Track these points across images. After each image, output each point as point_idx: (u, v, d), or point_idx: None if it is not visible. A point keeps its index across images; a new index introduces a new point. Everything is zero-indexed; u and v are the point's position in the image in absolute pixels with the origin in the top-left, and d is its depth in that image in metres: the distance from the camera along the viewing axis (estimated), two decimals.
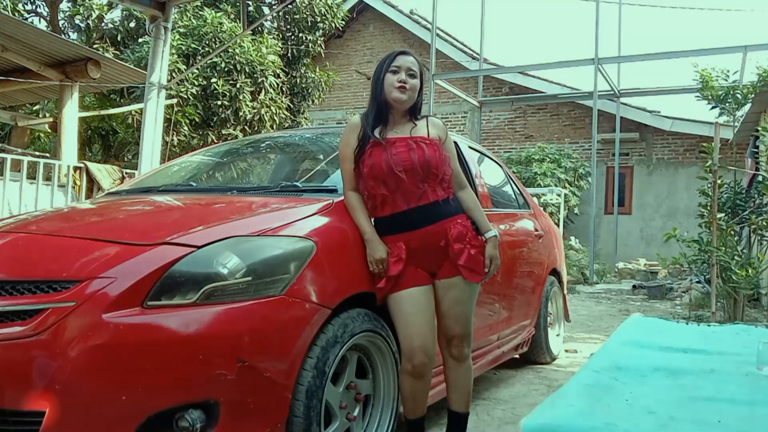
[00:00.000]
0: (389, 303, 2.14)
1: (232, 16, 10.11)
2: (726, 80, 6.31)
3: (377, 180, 2.10)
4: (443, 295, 2.16)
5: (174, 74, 7.87)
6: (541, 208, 4.90)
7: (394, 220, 2.13)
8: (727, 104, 6.18)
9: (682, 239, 5.16)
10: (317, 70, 11.18)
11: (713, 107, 6.31)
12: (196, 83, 8.71)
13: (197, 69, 8.53)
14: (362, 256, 2.13)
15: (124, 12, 10.91)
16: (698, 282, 7.23)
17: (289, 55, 10.63)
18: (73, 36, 11.68)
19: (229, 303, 1.72)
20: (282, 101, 9.79)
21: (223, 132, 9.00)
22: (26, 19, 11.30)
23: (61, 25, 11.81)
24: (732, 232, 5.40)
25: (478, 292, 2.28)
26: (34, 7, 12.13)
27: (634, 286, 9.43)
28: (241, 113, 8.94)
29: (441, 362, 2.43)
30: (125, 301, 1.65)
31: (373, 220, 2.19)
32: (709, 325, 2.95)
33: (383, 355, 2.21)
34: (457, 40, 14.24)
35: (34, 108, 10.84)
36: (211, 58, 8.39)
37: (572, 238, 11.70)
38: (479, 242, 2.18)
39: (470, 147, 3.51)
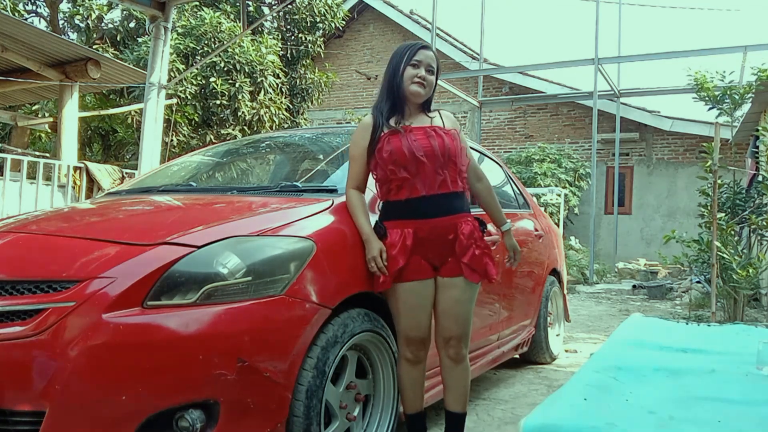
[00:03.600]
0: (390, 291, 2.14)
1: (231, 16, 10.10)
2: (722, 81, 6.30)
3: (398, 165, 2.09)
4: (444, 294, 2.15)
5: (172, 74, 7.86)
6: (541, 208, 4.90)
7: (409, 205, 2.10)
8: (724, 105, 6.17)
9: (681, 240, 5.16)
10: (317, 70, 11.18)
11: (710, 108, 6.31)
12: (194, 83, 8.70)
13: (197, 69, 8.53)
14: (362, 256, 2.12)
15: (124, 12, 10.91)
16: (698, 282, 7.23)
17: (288, 55, 10.63)
18: (73, 36, 11.68)
19: (229, 303, 1.72)
20: (281, 101, 9.79)
21: (222, 132, 8.99)
22: (26, 19, 11.30)
23: (61, 25, 11.80)
24: (732, 232, 5.40)
25: (478, 292, 2.26)
26: (34, 7, 12.13)
27: (634, 286, 9.43)
28: (240, 113, 8.93)
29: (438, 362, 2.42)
30: (125, 301, 1.65)
31: (383, 204, 2.18)
32: (709, 325, 2.95)
33: (383, 354, 2.21)
34: (457, 40, 14.24)
35: (33, 108, 10.84)
36: (211, 58, 8.38)
37: (572, 238, 11.71)
38: (485, 244, 2.17)
39: (470, 147, 3.50)
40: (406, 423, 2.27)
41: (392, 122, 2.16)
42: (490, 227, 3.15)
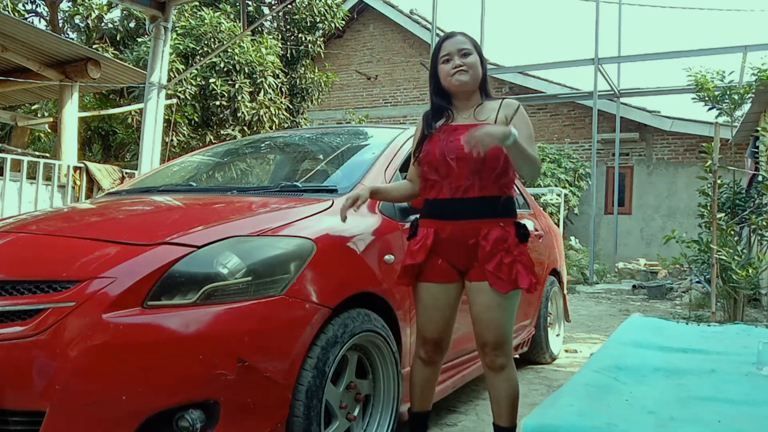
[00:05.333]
0: (413, 289, 2.16)
1: (231, 16, 10.09)
2: (722, 81, 6.30)
3: (430, 166, 2.07)
4: (473, 299, 2.07)
5: (172, 74, 7.85)
6: (541, 208, 4.90)
7: (435, 205, 2.09)
8: (723, 105, 6.17)
9: (681, 240, 5.16)
10: (316, 70, 11.17)
11: (710, 108, 6.31)
12: (194, 83, 8.70)
13: (196, 70, 8.52)
14: (363, 255, 2.13)
15: (124, 12, 10.91)
16: (698, 282, 7.23)
17: (288, 55, 10.62)
18: (73, 36, 11.67)
19: (229, 303, 1.72)
20: (281, 102, 9.78)
21: (222, 132, 8.99)
22: (26, 19, 11.29)
23: (60, 25, 11.80)
24: (732, 232, 5.40)
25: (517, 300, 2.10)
26: (34, 6, 12.12)
27: (634, 286, 9.44)
28: (239, 114, 8.93)
29: (448, 359, 2.42)
30: (125, 301, 1.64)
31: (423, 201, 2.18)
32: (709, 325, 2.95)
33: (383, 355, 2.21)
34: None
35: (33, 107, 10.83)
36: (211, 59, 8.37)
37: (572, 238, 11.71)
38: (520, 251, 2.04)
39: None
40: (408, 420, 2.26)
41: (440, 123, 2.12)
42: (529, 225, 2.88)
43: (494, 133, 1.82)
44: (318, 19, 10.72)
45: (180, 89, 8.53)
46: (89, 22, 11.23)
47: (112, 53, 9.49)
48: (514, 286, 2.00)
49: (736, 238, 5.61)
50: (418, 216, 2.19)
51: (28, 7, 12.07)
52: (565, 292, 4.58)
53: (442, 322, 2.11)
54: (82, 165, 6.60)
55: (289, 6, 10.44)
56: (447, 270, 2.07)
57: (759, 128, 5.85)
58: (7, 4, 10.62)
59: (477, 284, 2.04)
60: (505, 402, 2.13)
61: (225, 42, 8.74)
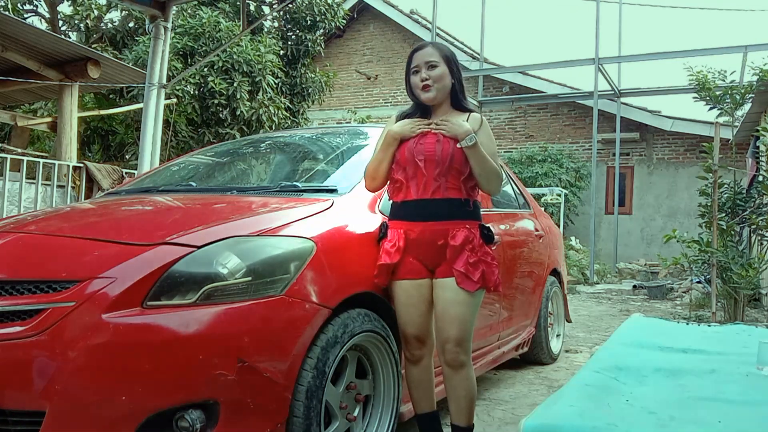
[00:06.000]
0: (389, 289, 2.19)
1: (230, 15, 10.07)
2: (723, 80, 6.30)
3: (399, 165, 2.15)
4: (438, 295, 2.13)
5: (170, 73, 7.83)
6: (542, 208, 4.90)
7: (403, 207, 2.15)
8: (725, 104, 6.16)
9: (682, 240, 5.15)
10: (317, 69, 11.16)
11: (711, 108, 6.31)
12: (192, 81, 8.68)
13: (195, 69, 8.50)
14: (363, 255, 2.13)
15: (123, 12, 10.90)
16: (699, 282, 7.24)
17: (289, 54, 10.61)
18: (73, 36, 11.65)
19: (229, 303, 1.72)
20: (281, 101, 9.77)
21: (221, 132, 8.97)
22: (26, 19, 11.29)
23: (60, 25, 11.79)
24: (732, 232, 5.40)
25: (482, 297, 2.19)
26: (34, 7, 12.11)
27: (634, 286, 9.44)
28: (238, 113, 8.92)
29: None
30: (125, 301, 1.64)
31: (391, 202, 2.22)
32: (709, 326, 2.95)
33: (383, 355, 2.21)
34: (457, 40, 14.25)
35: (33, 107, 10.82)
36: (210, 58, 8.36)
37: (572, 238, 11.71)
38: (485, 251, 2.13)
39: None
40: (417, 423, 2.28)
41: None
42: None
43: (462, 124, 2.09)
44: (318, 18, 10.70)
45: (178, 88, 8.51)
46: (88, 22, 11.22)
47: (112, 53, 9.49)
48: (480, 285, 2.09)
49: (736, 239, 5.60)
50: (387, 218, 2.25)
51: (28, 7, 12.05)
52: (566, 292, 4.58)
53: (419, 318, 2.15)
54: (81, 165, 6.60)
55: (290, 5, 10.42)
56: (418, 267, 2.13)
57: (759, 128, 5.84)
58: (7, 4, 10.61)
59: (444, 281, 2.11)
60: (464, 401, 2.16)
61: (224, 41, 8.72)
